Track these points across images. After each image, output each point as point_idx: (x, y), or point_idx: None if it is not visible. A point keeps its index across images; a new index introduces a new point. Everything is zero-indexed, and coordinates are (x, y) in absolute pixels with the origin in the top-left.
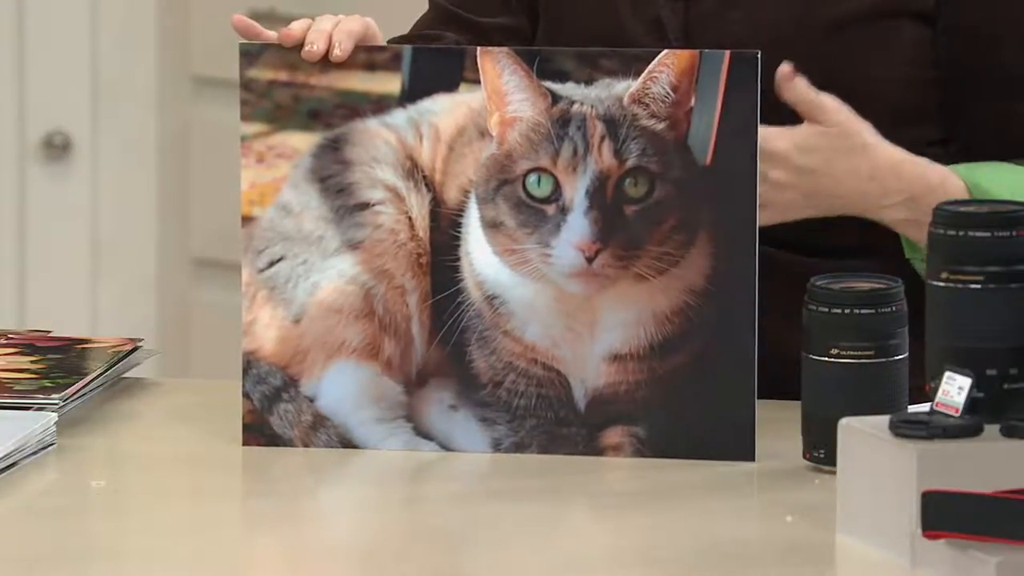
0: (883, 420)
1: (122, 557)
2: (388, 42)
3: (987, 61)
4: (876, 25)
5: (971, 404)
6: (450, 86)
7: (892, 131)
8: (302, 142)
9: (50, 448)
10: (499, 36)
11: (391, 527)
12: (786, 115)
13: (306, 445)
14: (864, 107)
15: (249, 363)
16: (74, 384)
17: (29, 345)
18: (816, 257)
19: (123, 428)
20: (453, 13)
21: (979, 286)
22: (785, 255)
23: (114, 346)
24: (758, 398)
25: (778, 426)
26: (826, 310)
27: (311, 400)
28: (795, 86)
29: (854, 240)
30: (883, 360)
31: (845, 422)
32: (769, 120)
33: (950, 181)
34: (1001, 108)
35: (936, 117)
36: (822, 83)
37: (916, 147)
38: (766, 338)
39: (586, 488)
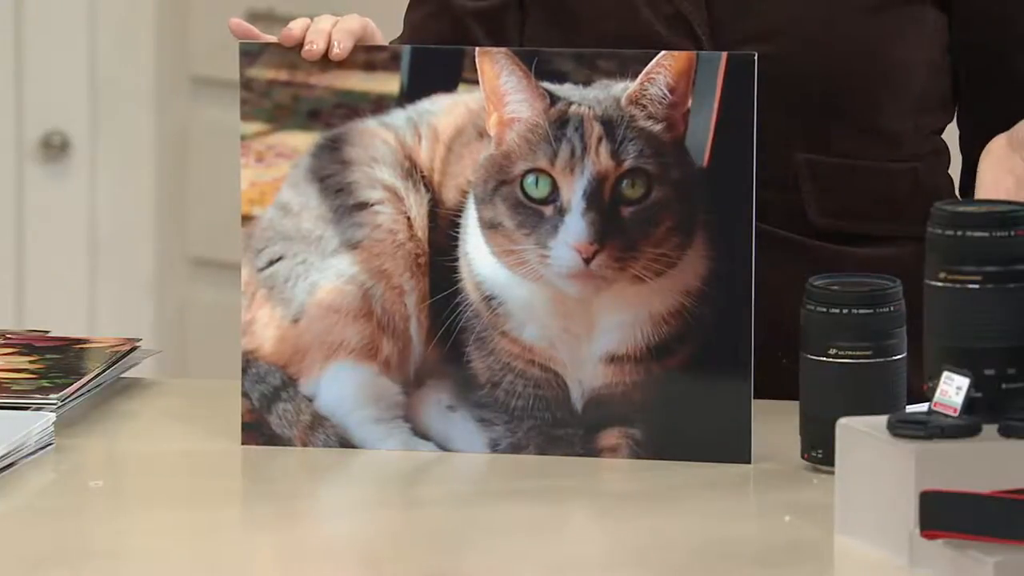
0: (881, 420)
1: (121, 557)
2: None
3: (1000, 44)
4: (902, 11)
5: (969, 404)
6: (449, 86)
7: (915, 118)
8: (301, 142)
9: (48, 448)
10: (476, 23)
11: (388, 527)
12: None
13: (305, 445)
14: (890, 93)
15: (248, 362)
16: (72, 384)
17: (27, 345)
18: (842, 244)
19: (121, 428)
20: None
21: (977, 286)
22: (813, 242)
23: (112, 346)
24: (764, 396)
25: (776, 426)
26: (824, 310)
27: (310, 400)
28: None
29: (877, 228)
30: (881, 360)
31: (843, 422)
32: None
33: None
34: (1014, 93)
35: (945, 105)
36: (850, 70)
37: (928, 135)
38: (791, 327)
39: (583, 489)
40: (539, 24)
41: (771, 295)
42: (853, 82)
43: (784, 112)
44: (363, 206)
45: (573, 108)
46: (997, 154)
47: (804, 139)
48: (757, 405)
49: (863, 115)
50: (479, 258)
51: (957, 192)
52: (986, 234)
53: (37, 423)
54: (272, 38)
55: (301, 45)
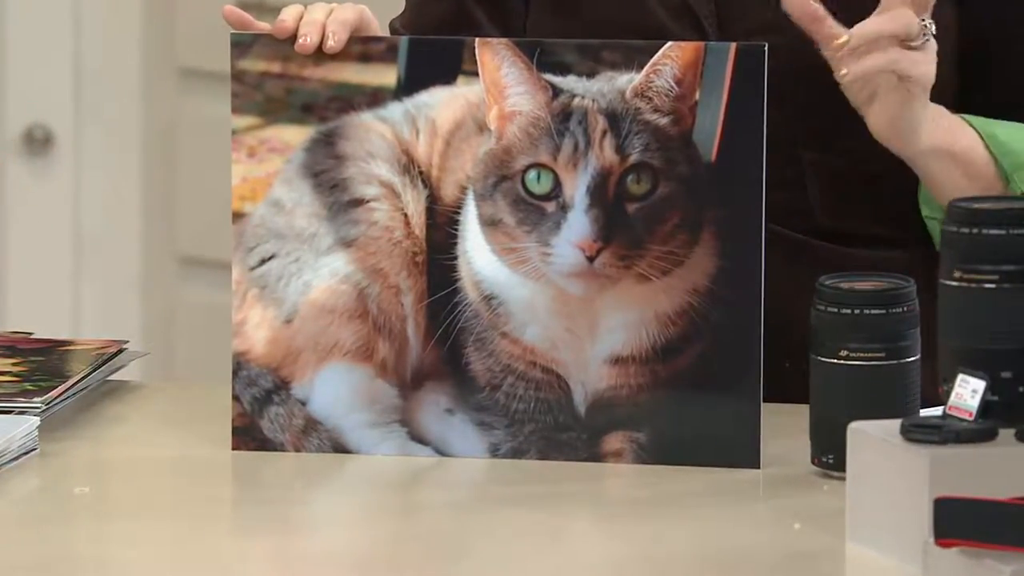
0: (894, 424)
1: (106, 566)
2: (390, 23)
3: (1012, 38)
4: None
5: (985, 408)
6: (447, 78)
7: None
8: (294, 136)
9: (32, 453)
10: (478, 6)
11: (385, 535)
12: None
13: (297, 450)
14: None
15: (239, 365)
16: (57, 387)
17: (10, 347)
18: (849, 246)
19: (108, 433)
20: None
21: (994, 285)
22: (819, 243)
23: (98, 348)
24: (767, 400)
25: (786, 430)
26: (835, 310)
27: (303, 403)
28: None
29: (884, 230)
30: (894, 362)
31: (855, 426)
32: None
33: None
34: (1016, 84)
35: (954, 99)
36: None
37: None
38: (795, 330)
39: (587, 495)
40: (542, 14)
41: (775, 296)
42: None
43: (792, 108)
44: (358, 203)
45: (576, 101)
46: None
47: (811, 136)
48: (766, 409)
49: None
50: (479, 256)
51: None
52: (1003, 232)
53: (20, 427)
54: (266, 26)
55: (294, 37)
